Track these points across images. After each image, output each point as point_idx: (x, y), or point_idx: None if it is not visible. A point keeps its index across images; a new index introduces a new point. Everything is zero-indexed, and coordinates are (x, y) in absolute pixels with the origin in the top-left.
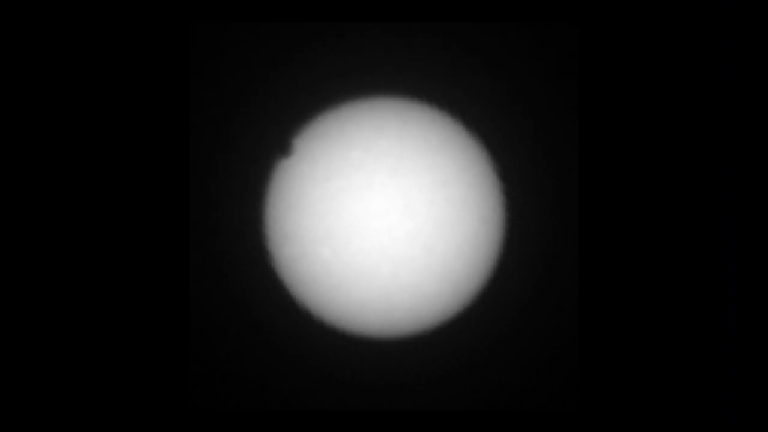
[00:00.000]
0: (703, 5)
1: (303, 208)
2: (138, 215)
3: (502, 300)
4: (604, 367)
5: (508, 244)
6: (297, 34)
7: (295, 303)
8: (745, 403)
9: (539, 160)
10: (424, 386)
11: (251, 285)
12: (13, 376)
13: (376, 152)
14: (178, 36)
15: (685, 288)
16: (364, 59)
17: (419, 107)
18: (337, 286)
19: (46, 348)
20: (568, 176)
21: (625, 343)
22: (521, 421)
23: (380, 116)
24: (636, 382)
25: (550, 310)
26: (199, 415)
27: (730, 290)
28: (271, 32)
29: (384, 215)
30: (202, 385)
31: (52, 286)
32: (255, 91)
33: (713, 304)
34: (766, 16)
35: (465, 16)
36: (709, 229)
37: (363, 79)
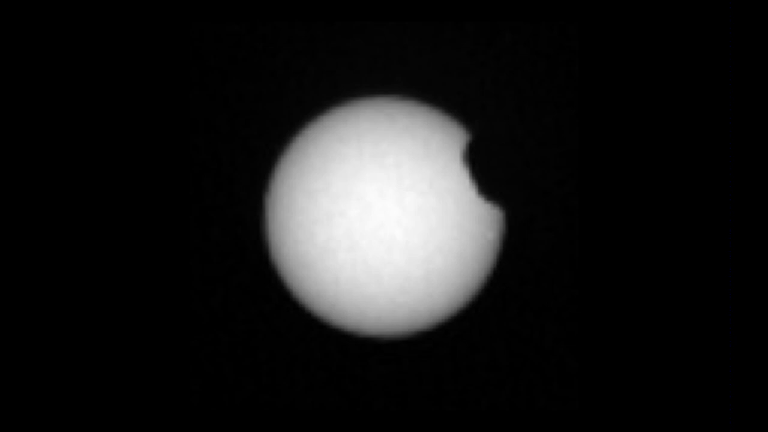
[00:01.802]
0: (703, 5)
1: (303, 208)
2: (138, 215)
3: (502, 300)
4: (604, 367)
5: (508, 244)
6: (297, 34)
7: (295, 303)
8: (745, 403)
9: (539, 160)
10: (424, 386)
11: (251, 285)
12: (13, 376)
13: (375, 152)
14: (178, 36)
15: (685, 288)
16: (364, 59)
17: (419, 107)
18: (338, 286)
19: (46, 348)
20: (568, 176)
21: (625, 343)
22: (521, 421)
23: (380, 116)
24: (636, 382)
25: (550, 310)
26: (199, 415)
27: (730, 290)
28: (271, 32)
29: (384, 215)
30: (202, 385)
31: (51, 286)
32: (255, 91)
33: (713, 304)
34: (766, 16)
35: (465, 16)
36: (709, 229)
37: (364, 79)
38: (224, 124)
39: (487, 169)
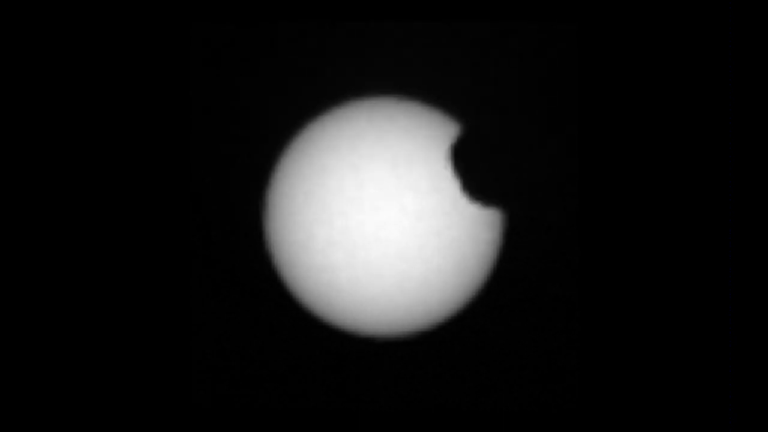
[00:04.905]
0: (703, 5)
1: (303, 208)
2: (138, 215)
3: (502, 300)
4: (604, 367)
5: (508, 244)
6: (297, 34)
7: (295, 303)
8: (745, 403)
9: (539, 159)
10: (424, 386)
11: (251, 285)
12: (14, 376)
13: (375, 152)
14: (178, 36)
15: (685, 288)
16: (364, 59)
17: (419, 107)
18: (338, 286)
19: (47, 348)
20: (568, 176)
21: (625, 343)
22: (521, 421)
23: (379, 116)
24: (636, 383)
25: (550, 310)
26: (199, 415)
27: (730, 290)
28: (271, 32)
29: (384, 215)
30: (202, 385)
31: (52, 286)
32: (255, 91)
33: (713, 304)
34: (766, 16)
35: (465, 16)
36: (709, 229)
37: (363, 79)
38: (225, 124)
39: (475, 169)
